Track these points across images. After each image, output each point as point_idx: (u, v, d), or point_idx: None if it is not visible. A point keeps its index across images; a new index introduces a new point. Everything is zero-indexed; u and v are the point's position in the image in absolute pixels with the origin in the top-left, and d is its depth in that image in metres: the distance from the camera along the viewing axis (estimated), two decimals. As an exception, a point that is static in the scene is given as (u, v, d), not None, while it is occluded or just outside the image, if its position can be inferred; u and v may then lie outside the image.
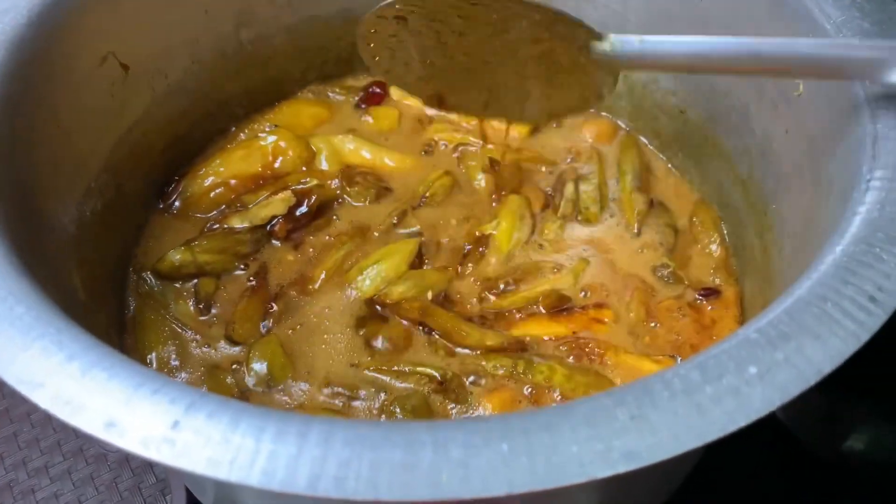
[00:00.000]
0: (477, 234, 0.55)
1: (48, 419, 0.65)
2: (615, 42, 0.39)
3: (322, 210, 0.56)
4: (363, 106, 0.64)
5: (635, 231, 0.55)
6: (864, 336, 0.28)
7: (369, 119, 0.64)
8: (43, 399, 0.27)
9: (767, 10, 0.47)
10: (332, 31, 0.64)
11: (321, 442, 0.25)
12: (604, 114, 0.64)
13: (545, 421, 0.26)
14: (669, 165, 0.61)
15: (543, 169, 0.60)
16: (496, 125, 0.62)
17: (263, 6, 0.60)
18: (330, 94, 0.66)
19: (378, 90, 0.65)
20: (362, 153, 0.60)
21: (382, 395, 0.46)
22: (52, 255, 0.42)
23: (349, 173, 0.59)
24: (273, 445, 0.25)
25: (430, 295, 0.51)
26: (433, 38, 0.40)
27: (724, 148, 0.54)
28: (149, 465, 0.63)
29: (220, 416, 0.26)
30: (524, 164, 0.60)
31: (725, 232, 0.56)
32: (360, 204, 0.57)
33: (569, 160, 0.60)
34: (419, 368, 0.47)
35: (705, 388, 0.26)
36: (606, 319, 0.50)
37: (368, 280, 0.51)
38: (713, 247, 0.55)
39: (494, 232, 0.55)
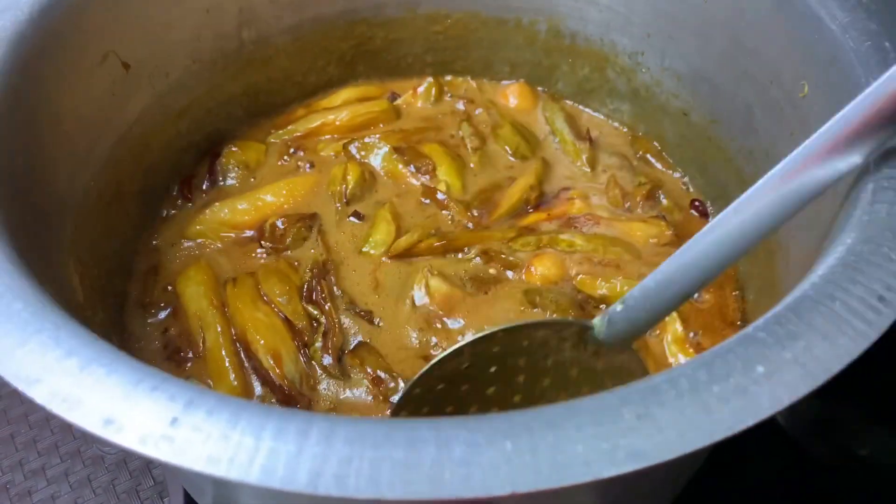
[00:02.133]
0: (429, 186, 0.59)
1: (46, 420, 0.65)
2: (598, 324, 0.37)
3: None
4: (187, 195, 0.60)
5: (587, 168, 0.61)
6: (873, 335, 0.27)
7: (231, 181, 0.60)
8: (40, 395, 0.26)
9: (771, 11, 0.46)
10: (334, 31, 0.64)
11: (322, 439, 0.25)
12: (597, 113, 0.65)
13: (550, 419, 0.25)
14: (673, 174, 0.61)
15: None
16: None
17: (265, 6, 0.60)
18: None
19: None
20: (239, 207, 0.57)
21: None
22: (50, 255, 0.42)
23: (264, 232, 0.56)
24: (273, 443, 0.25)
25: (432, 232, 0.55)
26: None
27: (729, 150, 0.54)
28: (146, 468, 0.62)
29: (219, 413, 0.26)
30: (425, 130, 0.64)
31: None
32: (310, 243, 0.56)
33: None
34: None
35: (712, 387, 0.26)
36: (576, 198, 0.58)
37: (372, 248, 0.55)
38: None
39: (441, 176, 0.59)
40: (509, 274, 0.53)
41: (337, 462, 0.24)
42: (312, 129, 0.63)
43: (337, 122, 0.63)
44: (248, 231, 0.56)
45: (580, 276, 0.53)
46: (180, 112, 0.58)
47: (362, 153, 0.61)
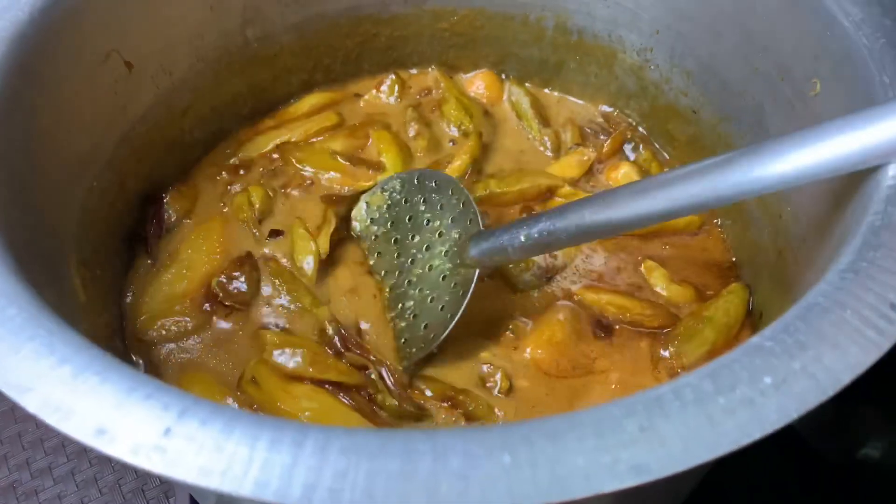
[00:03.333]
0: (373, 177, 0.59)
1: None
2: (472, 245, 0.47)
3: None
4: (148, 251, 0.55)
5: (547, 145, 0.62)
6: (886, 345, 0.26)
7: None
8: (32, 404, 0.26)
9: (783, 7, 0.45)
10: (339, 29, 0.63)
11: (317, 451, 0.24)
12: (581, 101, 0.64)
13: (550, 430, 0.25)
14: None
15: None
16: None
17: (270, 3, 0.59)
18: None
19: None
20: (168, 278, 0.52)
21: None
22: (51, 256, 0.42)
23: (217, 296, 0.52)
24: (267, 454, 0.24)
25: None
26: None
27: (738, 148, 0.53)
28: (152, 467, 0.62)
29: (213, 423, 0.25)
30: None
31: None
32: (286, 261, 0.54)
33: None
34: None
35: (718, 398, 0.25)
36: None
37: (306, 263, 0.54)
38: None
39: (387, 165, 0.59)
40: None
41: (332, 474, 0.24)
42: (265, 151, 0.61)
43: (293, 140, 0.62)
44: (202, 303, 0.51)
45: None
46: (184, 110, 0.58)
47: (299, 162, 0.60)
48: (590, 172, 0.59)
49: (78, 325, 0.30)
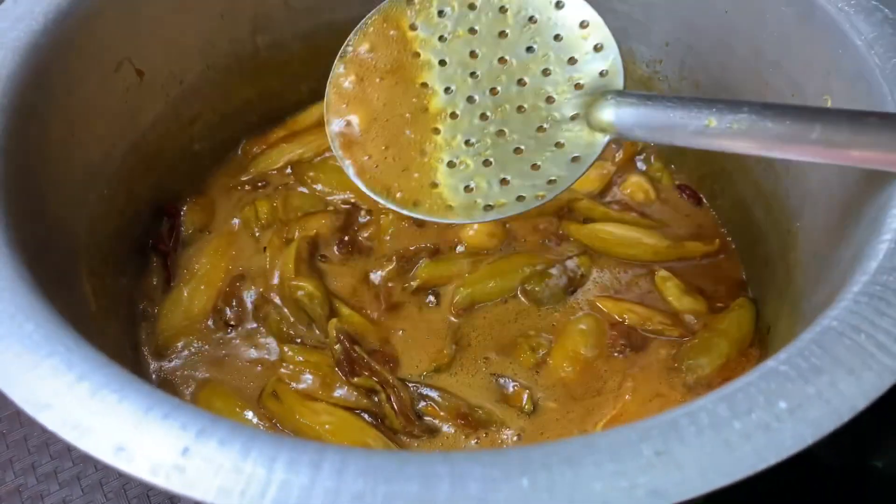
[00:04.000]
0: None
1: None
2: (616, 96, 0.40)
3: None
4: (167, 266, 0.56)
5: None
6: (901, 371, 0.27)
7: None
8: (51, 421, 0.26)
9: (795, 24, 0.45)
10: (348, 37, 0.63)
11: (334, 473, 0.24)
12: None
13: (567, 455, 0.25)
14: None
15: None
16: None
17: (279, 11, 0.59)
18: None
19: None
20: (186, 295, 0.53)
21: None
22: (62, 265, 0.42)
23: (224, 315, 0.52)
24: (285, 475, 0.25)
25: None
26: None
27: (747, 162, 0.53)
28: (158, 473, 0.62)
29: (231, 443, 0.25)
30: None
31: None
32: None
33: None
34: None
35: (734, 423, 0.25)
36: None
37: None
38: None
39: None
40: None
41: (349, 497, 0.24)
42: (279, 167, 0.61)
43: (306, 155, 0.61)
44: (219, 318, 0.52)
45: None
46: (194, 118, 0.58)
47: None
48: (608, 185, 0.59)
49: (89, 334, 0.30)
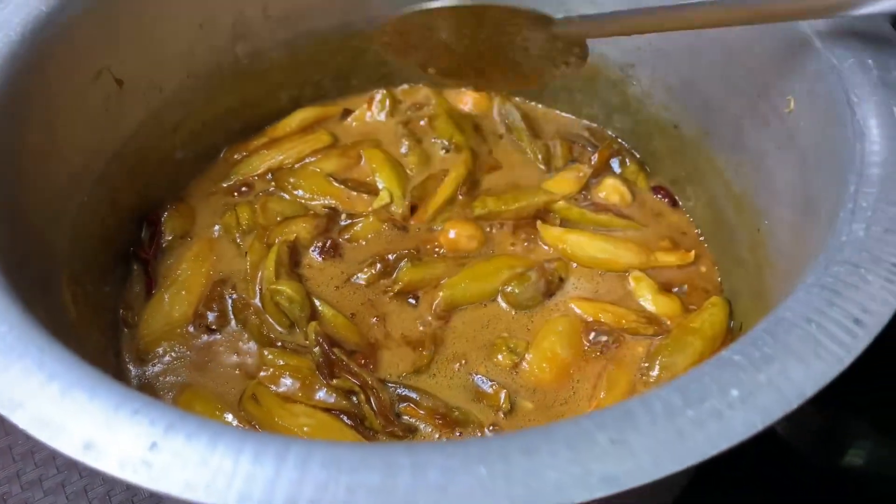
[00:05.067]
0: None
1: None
2: (560, 21, 0.47)
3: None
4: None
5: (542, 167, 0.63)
6: (848, 359, 0.27)
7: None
8: (22, 420, 0.27)
9: (759, 28, 0.46)
10: (329, 46, 0.64)
11: (299, 464, 0.25)
12: (594, 124, 0.65)
13: (524, 444, 0.25)
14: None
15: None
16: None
17: (259, 20, 0.60)
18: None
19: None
20: (167, 300, 0.53)
21: None
22: (42, 272, 0.42)
23: (205, 318, 0.53)
24: (250, 467, 0.25)
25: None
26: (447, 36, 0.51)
27: (718, 163, 0.54)
28: (142, 479, 0.62)
29: (198, 438, 0.26)
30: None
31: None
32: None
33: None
34: None
35: (687, 411, 0.26)
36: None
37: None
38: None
39: (380, 184, 0.60)
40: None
41: (313, 487, 0.25)
42: (259, 173, 0.62)
43: (286, 162, 0.62)
44: (200, 323, 0.52)
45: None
46: (175, 126, 0.59)
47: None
48: (584, 187, 0.60)
49: (69, 342, 0.31)
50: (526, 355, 0.50)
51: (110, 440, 0.26)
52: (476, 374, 0.49)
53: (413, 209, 0.59)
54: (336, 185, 0.60)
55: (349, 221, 0.58)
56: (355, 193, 0.60)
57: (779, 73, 0.45)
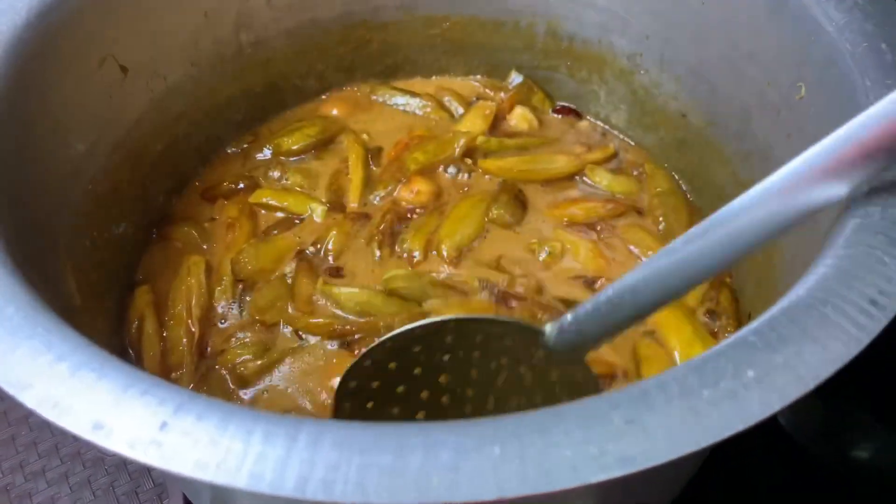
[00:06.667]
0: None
1: (47, 422, 0.65)
2: (549, 330, 0.36)
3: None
4: None
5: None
6: (865, 340, 0.27)
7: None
8: (31, 400, 0.27)
9: (767, 13, 0.46)
10: (332, 35, 0.64)
11: (310, 444, 0.25)
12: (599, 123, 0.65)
13: (538, 423, 0.25)
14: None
15: None
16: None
17: (263, 9, 0.60)
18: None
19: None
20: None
21: None
22: (46, 260, 0.42)
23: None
24: (262, 447, 0.25)
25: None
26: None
27: (726, 152, 0.54)
28: (146, 470, 0.62)
29: (209, 418, 0.26)
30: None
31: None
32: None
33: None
34: None
35: (702, 391, 0.26)
36: None
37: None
38: None
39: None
40: None
41: (325, 467, 0.24)
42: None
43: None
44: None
45: None
46: (178, 116, 0.58)
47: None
48: (494, 122, 0.64)
49: (74, 326, 0.31)
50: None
51: (120, 420, 0.26)
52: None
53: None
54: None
55: (318, 247, 0.57)
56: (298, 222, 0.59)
57: (788, 61, 0.45)
